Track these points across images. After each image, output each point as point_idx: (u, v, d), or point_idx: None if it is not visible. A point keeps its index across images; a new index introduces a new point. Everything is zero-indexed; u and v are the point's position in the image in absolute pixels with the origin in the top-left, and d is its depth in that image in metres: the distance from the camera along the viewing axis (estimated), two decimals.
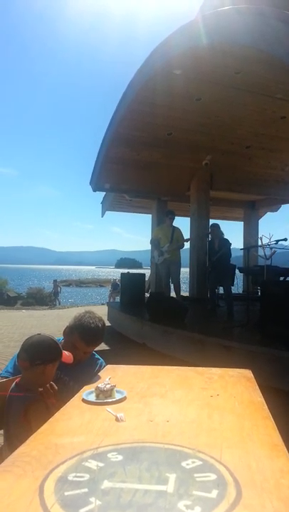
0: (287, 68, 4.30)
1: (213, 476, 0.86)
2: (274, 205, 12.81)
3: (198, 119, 7.99)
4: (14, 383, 1.68)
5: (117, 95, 8.31)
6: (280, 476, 0.87)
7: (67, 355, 1.77)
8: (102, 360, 2.10)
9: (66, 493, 0.80)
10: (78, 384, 1.66)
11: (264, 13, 4.33)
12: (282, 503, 0.77)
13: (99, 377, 1.74)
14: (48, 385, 1.66)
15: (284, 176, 10.63)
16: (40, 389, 1.63)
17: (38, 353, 1.64)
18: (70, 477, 0.86)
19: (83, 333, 1.95)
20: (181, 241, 8.33)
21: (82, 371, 1.89)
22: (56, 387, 1.69)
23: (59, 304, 17.05)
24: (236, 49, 5.21)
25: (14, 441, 1.56)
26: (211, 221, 9.22)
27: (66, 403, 1.43)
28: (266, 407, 1.36)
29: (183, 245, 8.44)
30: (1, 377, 1.83)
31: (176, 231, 8.37)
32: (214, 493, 0.79)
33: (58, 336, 2.03)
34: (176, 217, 8.53)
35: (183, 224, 9.35)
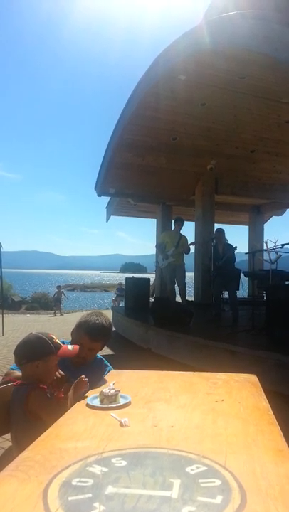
0: None
1: (217, 482, 0.86)
2: (279, 209, 12.78)
3: (203, 124, 8.01)
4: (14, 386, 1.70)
5: (122, 100, 8.36)
6: (285, 482, 0.86)
7: (70, 349, 1.79)
8: (111, 367, 2.11)
9: (70, 498, 0.79)
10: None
11: (268, 17, 4.35)
12: (288, 509, 0.76)
13: (105, 382, 1.74)
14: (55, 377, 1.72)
15: None
16: (43, 385, 1.66)
17: (23, 353, 1.70)
18: (74, 482, 0.86)
19: (88, 327, 1.98)
20: (186, 247, 8.34)
21: (91, 375, 1.90)
22: (63, 375, 1.74)
23: (60, 313, 16.53)
24: (241, 54, 5.23)
25: (20, 437, 1.57)
26: (216, 225, 9.22)
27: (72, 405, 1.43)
28: (271, 412, 1.35)
29: (188, 251, 8.44)
30: (12, 370, 1.87)
31: (183, 238, 8.41)
32: (219, 499, 0.79)
33: (63, 338, 2.04)
34: None
35: (188, 228, 9.37)
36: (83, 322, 2.02)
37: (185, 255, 8.54)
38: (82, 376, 1.57)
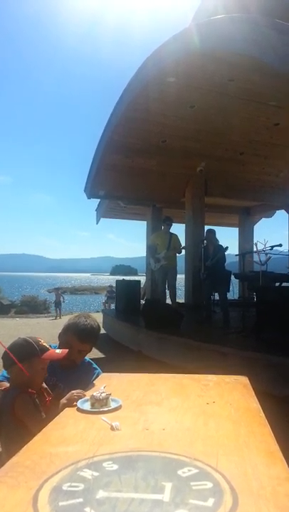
0: (279, 75, 4.35)
1: (209, 484, 0.86)
2: (269, 211, 12.89)
3: (193, 126, 8.04)
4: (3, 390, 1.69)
5: (111, 102, 8.36)
6: (276, 484, 0.86)
7: (57, 352, 1.77)
8: (99, 370, 2.10)
9: (61, 504, 0.78)
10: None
11: (257, 21, 4.39)
12: (279, 510, 0.76)
13: (94, 385, 1.73)
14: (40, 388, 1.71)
15: (278, 182, 10.70)
16: (32, 390, 1.65)
17: (6, 356, 1.70)
18: (65, 487, 0.85)
19: (76, 329, 1.98)
20: (178, 248, 8.37)
21: (79, 379, 1.88)
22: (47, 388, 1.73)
23: (59, 315, 16.27)
24: (230, 57, 5.27)
25: (8, 442, 1.55)
26: (207, 227, 9.26)
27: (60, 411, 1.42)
28: (262, 413, 1.36)
29: (180, 252, 8.47)
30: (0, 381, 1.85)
31: (174, 237, 8.41)
32: (210, 502, 0.78)
33: (52, 342, 2.02)
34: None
35: (178, 231, 9.36)
36: (72, 324, 2.02)
37: (178, 255, 8.56)
38: (76, 393, 1.55)
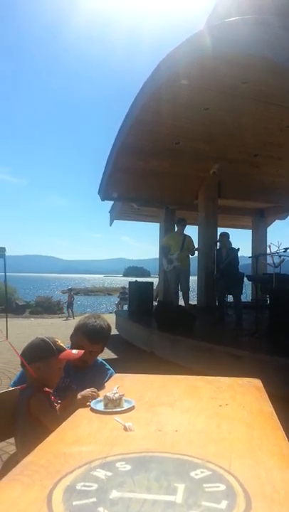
0: None
1: (222, 487, 0.86)
2: (282, 212, 12.77)
3: (206, 129, 8.02)
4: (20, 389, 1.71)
5: (125, 104, 8.40)
6: None
7: (74, 353, 1.79)
8: (112, 370, 2.10)
9: (74, 503, 0.79)
10: None
11: (270, 22, 4.36)
12: None
13: (106, 386, 1.74)
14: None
15: None
16: (48, 390, 1.67)
17: (25, 355, 1.73)
18: (79, 486, 0.86)
19: (86, 330, 1.98)
20: (191, 249, 8.34)
21: (92, 380, 1.89)
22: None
23: (72, 316, 16.45)
24: (243, 59, 5.25)
25: (24, 441, 1.57)
26: (220, 229, 9.22)
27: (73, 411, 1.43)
28: (276, 416, 1.35)
29: (193, 253, 8.44)
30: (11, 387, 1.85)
31: (187, 239, 8.40)
32: (223, 504, 0.78)
33: (66, 343, 2.04)
34: None
35: (191, 232, 9.34)
36: (82, 325, 2.02)
37: (191, 257, 8.53)
38: (90, 391, 1.56)
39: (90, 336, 1.98)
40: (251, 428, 1.24)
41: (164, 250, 8.64)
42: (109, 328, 2.08)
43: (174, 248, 8.33)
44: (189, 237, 8.50)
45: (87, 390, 1.56)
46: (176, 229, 8.90)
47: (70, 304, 17.39)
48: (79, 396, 1.53)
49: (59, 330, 10.65)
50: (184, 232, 8.52)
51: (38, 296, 24.75)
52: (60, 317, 17.08)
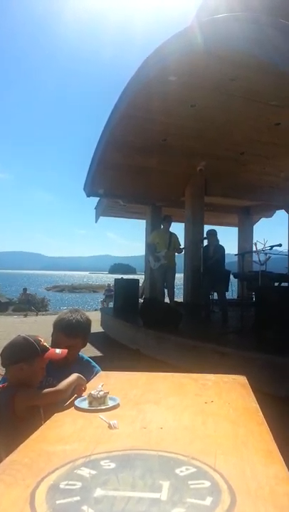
0: (281, 75, 4.34)
1: (207, 483, 0.85)
2: (268, 211, 12.90)
3: (193, 125, 8.03)
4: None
5: (112, 100, 8.34)
6: (274, 483, 0.86)
7: (58, 352, 1.76)
8: (98, 367, 2.08)
9: (58, 502, 0.78)
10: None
11: (260, 21, 4.37)
12: (277, 510, 0.76)
13: (91, 384, 1.73)
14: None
15: (278, 182, 10.69)
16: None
17: (8, 355, 1.69)
18: (62, 485, 0.85)
19: (62, 325, 1.97)
20: (178, 247, 8.35)
21: None
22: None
23: (36, 313, 16.23)
24: (232, 56, 5.25)
25: (6, 440, 1.54)
26: (206, 227, 9.26)
27: (57, 409, 1.41)
28: (261, 413, 1.36)
29: (181, 251, 8.43)
30: None
31: (173, 236, 8.41)
32: (208, 501, 0.78)
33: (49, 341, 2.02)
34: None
35: (177, 230, 9.36)
36: (58, 321, 2.01)
37: (177, 255, 8.55)
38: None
39: (65, 329, 1.96)
40: (236, 425, 1.24)
41: (151, 248, 8.63)
42: (87, 321, 2.05)
43: (160, 246, 8.32)
44: (175, 234, 8.51)
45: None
46: (162, 226, 8.91)
47: (28, 302, 17.58)
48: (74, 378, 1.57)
49: (43, 327, 10.57)
50: (170, 229, 8.54)
51: (22, 293, 24.54)
52: (44, 314, 16.96)
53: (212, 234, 7.61)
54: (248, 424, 1.25)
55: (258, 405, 1.44)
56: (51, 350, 1.76)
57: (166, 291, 8.64)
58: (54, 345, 1.92)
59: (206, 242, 7.72)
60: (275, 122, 7.81)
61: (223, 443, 1.09)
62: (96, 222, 12.98)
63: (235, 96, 6.76)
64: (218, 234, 7.73)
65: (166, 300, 8.73)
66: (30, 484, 0.85)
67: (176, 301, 8.93)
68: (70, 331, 1.96)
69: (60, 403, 1.52)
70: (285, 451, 1.05)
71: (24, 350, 1.68)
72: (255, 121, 7.80)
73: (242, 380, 1.81)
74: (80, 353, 2.10)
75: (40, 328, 10.43)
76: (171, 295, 8.57)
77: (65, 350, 1.80)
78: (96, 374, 2.01)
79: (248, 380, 1.80)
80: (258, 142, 8.78)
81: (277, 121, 7.80)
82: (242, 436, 1.15)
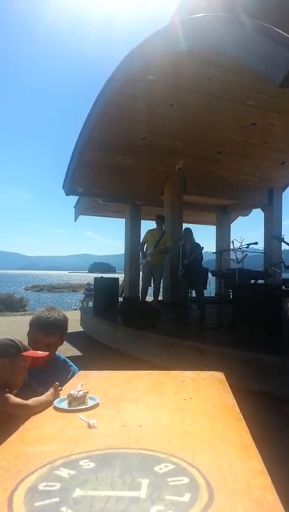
0: (258, 76, 4.40)
1: (185, 480, 0.86)
2: (245, 209, 13.09)
3: (172, 125, 8.07)
4: None
5: (91, 98, 8.29)
6: (251, 477, 0.88)
7: (40, 352, 1.74)
8: (75, 367, 2.07)
9: (37, 504, 0.77)
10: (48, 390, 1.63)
11: (240, 22, 4.41)
12: (254, 503, 0.77)
13: (70, 384, 1.72)
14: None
15: (255, 182, 10.87)
16: (10, 391, 1.61)
17: None
18: (41, 487, 0.84)
19: (40, 323, 1.95)
20: (167, 243, 8.29)
21: (53, 377, 1.86)
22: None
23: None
24: (210, 56, 5.29)
25: None
26: (184, 225, 9.31)
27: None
28: (238, 408, 1.38)
29: (167, 251, 8.37)
30: None
31: (165, 236, 8.42)
32: (187, 497, 0.79)
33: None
34: (147, 221, 8.61)
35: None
36: (35, 319, 1.99)
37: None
38: (56, 384, 1.55)
39: (43, 328, 1.94)
40: (214, 420, 1.26)
41: (141, 245, 8.70)
42: (64, 318, 2.04)
43: (149, 244, 8.38)
44: (167, 234, 8.56)
45: (51, 389, 1.54)
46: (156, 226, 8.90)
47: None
48: (50, 397, 1.51)
49: (22, 328, 10.43)
50: (150, 228, 8.59)
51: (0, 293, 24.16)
52: (22, 315, 16.74)
53: (188, 232, 7.67)
54: (225, 419, 1.27)
55: (235, 401, 1.46)
56: (33, 350, 1.74)
57: (150, 289, 8.67)
58: (32, 343, 1.90)
59: (182, 241, 7.76)
60: (251, 122, 7.94)
61: (201, 439, 1.10)
62: (75, 220, 12.90)
63: (213, 96, 6.84)
64: (196, 232, 7.79)
65: (149, 298, 8.75)
66: (8, 487, 0.84)
67: (157, 300, 8.95)
68: (49, 329, 1.95)
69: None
70: (261, 446, 1.07)
71: (7, 346, 1.65)
72: (231, 120, 7.91)
73: (220, 376, 1.83)
74: (56, 353, 2.08)
75: (18, 329, 10.28)
76: (155, 294, 8.59)
77: (47, 352, 1.78)
78: (73, 374, 1.99)
79: (225, 376, 1.83)
80: (235, 142, 8.91)
81: (253, 121, 7.93)
82: (219, 431, 1.16)
